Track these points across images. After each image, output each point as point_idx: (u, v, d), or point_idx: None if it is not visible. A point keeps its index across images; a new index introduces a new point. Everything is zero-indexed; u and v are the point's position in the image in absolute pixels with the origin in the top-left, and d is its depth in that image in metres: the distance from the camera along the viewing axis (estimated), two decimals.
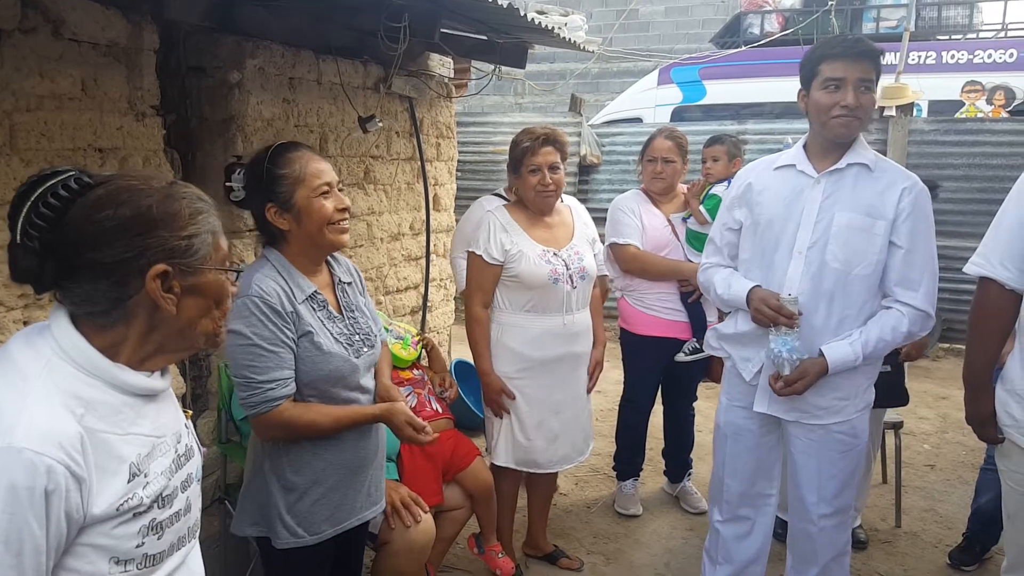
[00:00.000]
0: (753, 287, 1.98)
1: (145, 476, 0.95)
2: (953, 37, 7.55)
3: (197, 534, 1.11)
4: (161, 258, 0.95)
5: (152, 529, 0.96)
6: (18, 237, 0.92)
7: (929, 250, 1.92)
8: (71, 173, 0.95)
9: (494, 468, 2.53)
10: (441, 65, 3.94)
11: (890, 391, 2.67)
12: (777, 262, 1.98)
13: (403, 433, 1.69)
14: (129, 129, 2.21)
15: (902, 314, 1.90)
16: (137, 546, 0.94)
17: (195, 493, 1.08)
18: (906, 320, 1.90)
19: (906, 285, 1.90)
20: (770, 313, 1.90)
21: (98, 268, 0.93)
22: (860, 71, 1.85)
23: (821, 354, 1.91)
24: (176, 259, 0.96)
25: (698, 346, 2.84)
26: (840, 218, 1.91)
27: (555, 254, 2.42)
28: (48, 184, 0.93)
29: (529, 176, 2.40)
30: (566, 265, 2.42)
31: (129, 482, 0.93)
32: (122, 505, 0.92)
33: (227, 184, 1.66)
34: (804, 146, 2.02)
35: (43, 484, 0.83)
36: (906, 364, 2.77)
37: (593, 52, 4.10)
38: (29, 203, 0.92)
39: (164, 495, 0.98)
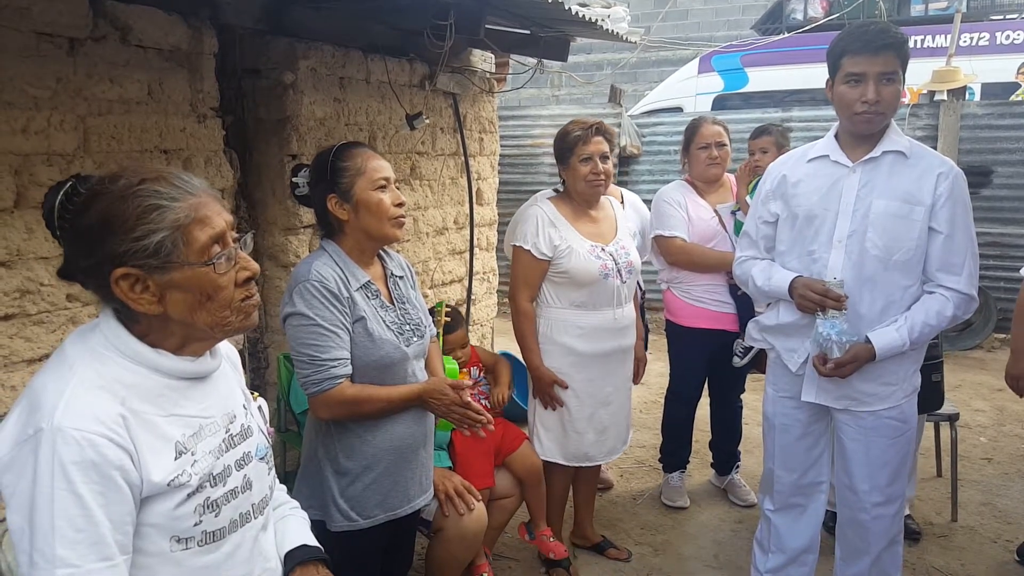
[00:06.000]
0: (795, 277, 1.98)
1: (192, 454, 1.00)
2: (1008, 16, 7.27)
3: (266, 511, 1.14)
4: (118, 262, 0.95)
5: (208, 507, 1.01)
6: (59, 242, 1.00)
7: (969, 234, 1.92)
8: (69, 183, 0.98)
9: (544, 464, 2.55)
10: (483, 60, 3.97)
11: (931, 399, 2.68)
12: (817, 252, 1.98)
13: (450, 412, 1.72)
14: (192, 131, 2.30)
15: (946, 298, 1.90)
16: (195, 524, 1.00)
17: (256, 471, 1.11)
18: (951, 304, 1.90)
19: (948, 270, 1.90)
20: (816, 298, 1.90)
21: (86, 272, 0.98)
22: (882, 64, 1.83)
23: (868, 341, 1.91)
24: (137, 261, 0.95)
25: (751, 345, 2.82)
26: (878, 206, 1.90)
27: (603, 249, 2.42)
28: (58, 196, 0.98)
29: (580, 165, 2.39)
30: (614, 260, 2.43)
31: (176, 459, 0.98)
32: (173, 480, 0.97)
33: (293, 180, 1.74)
34: (835, 136, 2.01)
35: (90, 456, 0.90)
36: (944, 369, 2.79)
37: (636, 43, 4.07)
38: (56, 213, 0.98)
39: (215, 473, 1.02)
